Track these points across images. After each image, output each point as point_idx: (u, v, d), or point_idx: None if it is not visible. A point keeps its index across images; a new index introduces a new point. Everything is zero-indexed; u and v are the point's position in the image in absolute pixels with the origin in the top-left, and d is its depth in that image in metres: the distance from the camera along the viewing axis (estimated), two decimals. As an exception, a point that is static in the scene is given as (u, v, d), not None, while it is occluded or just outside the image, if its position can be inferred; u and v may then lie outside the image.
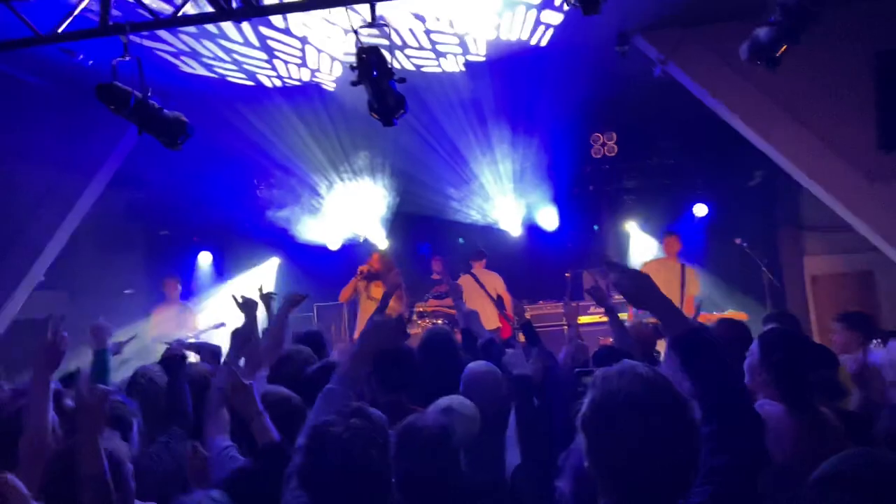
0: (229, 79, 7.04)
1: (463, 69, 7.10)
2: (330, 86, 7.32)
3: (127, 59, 4.16)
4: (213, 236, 9.69)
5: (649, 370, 1.50)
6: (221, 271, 9.73)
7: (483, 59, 6.90)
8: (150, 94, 4.21)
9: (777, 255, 8.45)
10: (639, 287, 1.83)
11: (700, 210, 9.08)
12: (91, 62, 5.82)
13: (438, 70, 7.09)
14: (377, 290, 7.48)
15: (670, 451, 1.39)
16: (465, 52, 6.77)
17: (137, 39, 4.25)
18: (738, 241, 7.42)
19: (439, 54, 6.78)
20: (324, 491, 1.76)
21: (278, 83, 7.26)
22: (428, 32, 6.28)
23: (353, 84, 4.14)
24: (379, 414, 1.90)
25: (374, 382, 3.03)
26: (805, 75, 5.69)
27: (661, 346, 4.24)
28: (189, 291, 8.70)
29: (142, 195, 8.09)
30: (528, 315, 4.63)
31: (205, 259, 9.78)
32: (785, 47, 4.15)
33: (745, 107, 6.41)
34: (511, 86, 7.68)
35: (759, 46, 4.29)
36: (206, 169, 8.32)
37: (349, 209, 9.41)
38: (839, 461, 1.42)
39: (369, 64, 4.07)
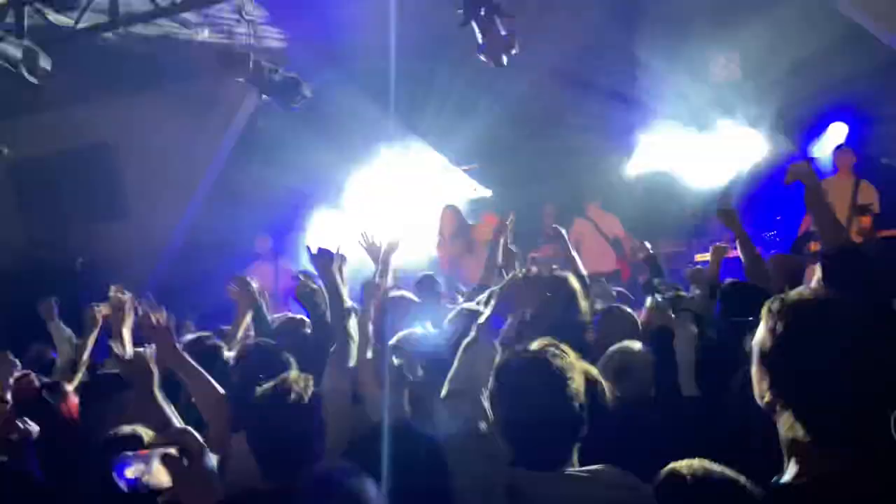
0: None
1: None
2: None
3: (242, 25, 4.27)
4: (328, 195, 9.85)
5: (831, 297, 1.42)
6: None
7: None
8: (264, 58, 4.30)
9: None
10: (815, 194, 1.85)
11: (838, 130, 8.30)
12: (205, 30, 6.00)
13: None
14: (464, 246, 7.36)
15: (871, 377, 1.31)
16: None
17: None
18: (889, 161, 6.72)
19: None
20: (517, 420, 1.75)
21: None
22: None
23: (461, 25, 4.02)
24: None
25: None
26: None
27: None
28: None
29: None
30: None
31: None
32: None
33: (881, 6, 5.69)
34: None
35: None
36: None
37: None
38: None
39: (476, 1, 3.93)
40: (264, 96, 4.46)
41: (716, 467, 1.44)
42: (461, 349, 2.06)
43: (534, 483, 1.68)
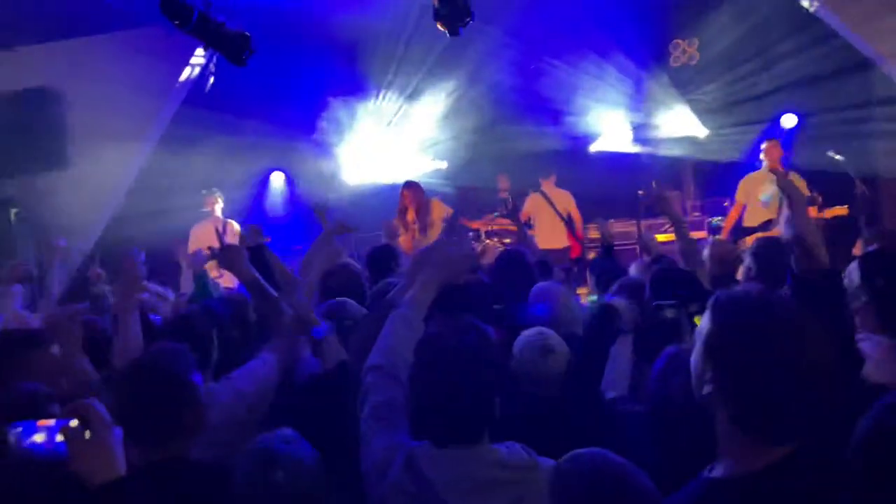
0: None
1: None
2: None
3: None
4: (284, 156, 9.71)
5: (779, 295, 1.46)
6: (294, 193, 9.77)
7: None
8: (210, 6, 4.14)
9: (874, 171, 7.85)
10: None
11: (789, 121, 8.47)
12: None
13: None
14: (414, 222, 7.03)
15: (809, 374, 1.33)
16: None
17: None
18: (833, 154, 6.87)
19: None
20: (432, 407, 1.72)
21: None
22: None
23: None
24: (491, 331, 1.84)
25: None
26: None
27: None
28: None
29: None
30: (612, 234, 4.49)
31: (277, 179, 9.83)
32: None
33: (851, 8, 5.82)
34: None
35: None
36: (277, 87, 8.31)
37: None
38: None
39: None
40: (209, 50, 4.28)
41: (616, 458, 1.46)
42: (386, 325, 2.03)
43: (429, 457, 1.69)
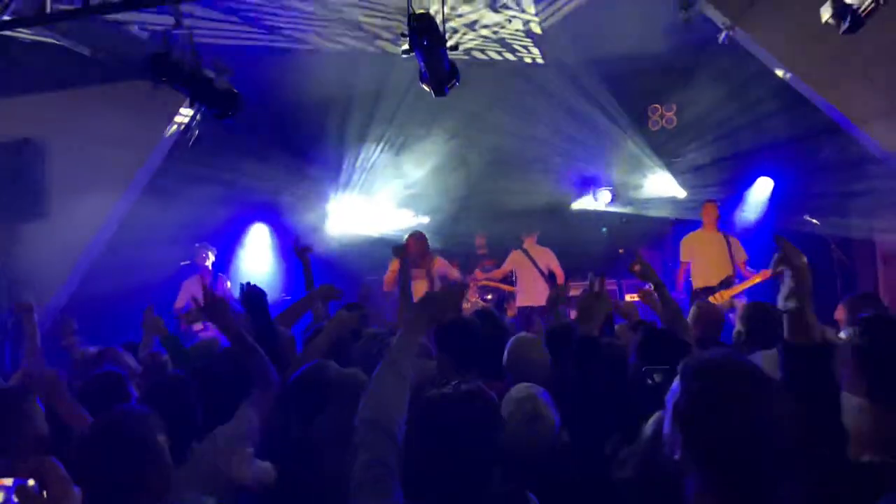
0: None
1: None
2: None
3: (180, 29, 4.14)
4: (268, 210, 9.68)
5: (745, 361, 1.47)
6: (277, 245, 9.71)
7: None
8: (200, 63, 4.18)
9: (848, 234, 8.02)
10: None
11: (764, 185, 8.67)
12: (146, 33, 5.84)
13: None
14: (419, 272, 7.08)
15: (772, 441, 1.36)
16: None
17: (190, 8, 4.22)
18: (809, 218, 7.05)
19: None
20: (430, 474, 1.68)
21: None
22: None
23: (405, 53, 4.02)
24: (492, 395, 1.81)
25: (443, 360, 2.97)
26: (889, 38, 5.28)
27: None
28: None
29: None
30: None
31: (259, 231, 9.77)
32: (874, 4, 3.81)
33: (819, 75, 6.03)
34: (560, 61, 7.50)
35: (845, 3, 3.96)
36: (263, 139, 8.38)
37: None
38: None
39: (420, 31, 3.93)
40: (196, 105, 4.30)
41: None
42: (374, 375, 1.98)
43: None
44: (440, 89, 4.14)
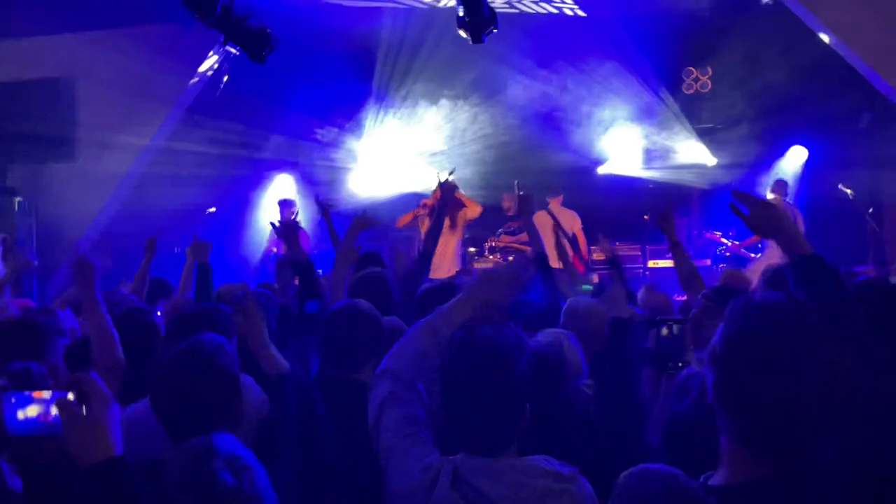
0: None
1: None
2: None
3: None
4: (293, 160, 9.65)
5: (796, 303, 1.40)
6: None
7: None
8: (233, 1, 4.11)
9: (881, 205, 7.86)
10: (768, 215, 1.82)
11: (798, 153, 8.48)
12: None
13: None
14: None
15: (814, 392, 1.29)
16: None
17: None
18: (844, 188, 6.90)
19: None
20: (465, 409, 1.64)
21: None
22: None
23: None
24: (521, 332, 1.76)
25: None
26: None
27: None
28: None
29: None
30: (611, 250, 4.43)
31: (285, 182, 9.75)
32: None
33: (866, 41, 5.83)
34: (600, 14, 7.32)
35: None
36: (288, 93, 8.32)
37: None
38: None
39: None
40: (230, 46, 4.25)
41: (689, 481, 1.39)
42: (410, 331, 1.95)
43: (476, 470, 1.61)
44: (477, 36, 4.05)
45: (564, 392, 2.37)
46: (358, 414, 1.87)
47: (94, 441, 1.32)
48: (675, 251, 3.72)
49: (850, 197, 6.93)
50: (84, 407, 1.34)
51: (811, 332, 1.32)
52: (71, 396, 1.35)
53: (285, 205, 7.73)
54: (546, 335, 2.58)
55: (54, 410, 1.36)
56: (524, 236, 8.48)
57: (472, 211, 7.40)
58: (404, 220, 7.63)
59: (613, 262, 4.00)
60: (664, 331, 2.59)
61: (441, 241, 6.77)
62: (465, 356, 1.65)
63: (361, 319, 2.37)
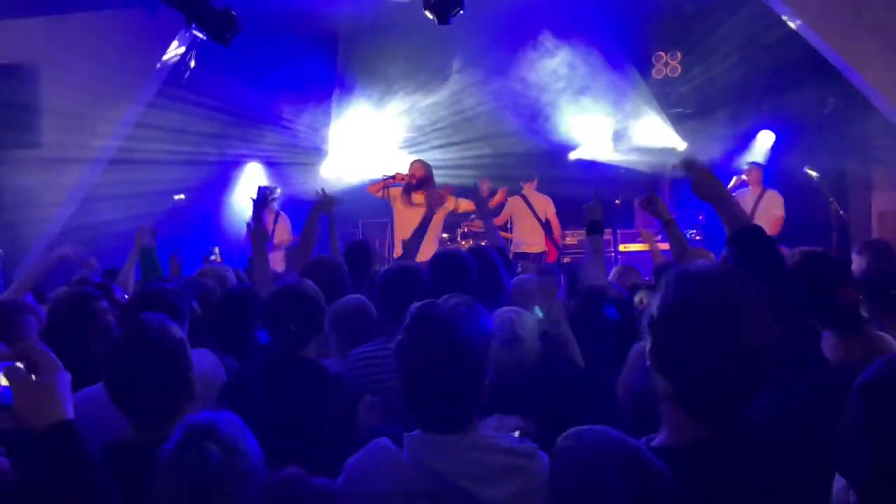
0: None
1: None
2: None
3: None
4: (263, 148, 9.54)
5: (726, 270, 1.48)
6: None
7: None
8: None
9: (844, 189, 8.01)
10: (710, 183, 1.99)
11: (766, 138, 8.59)
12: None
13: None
14: (418, 197, 6.90)
15: (743, 358, 1.33)
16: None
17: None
18: (809, 171, 6.99)
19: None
20: (416, 378, 1.63)
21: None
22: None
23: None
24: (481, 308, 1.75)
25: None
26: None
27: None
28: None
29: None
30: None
31: (254, 170, 9.65)
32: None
33: (832, 29, 5.92)
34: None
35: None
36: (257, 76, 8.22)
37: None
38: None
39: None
40: (195, 30, 4.18)
41: (622, 436, 1.41)
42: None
43: (433, 447, 1.60)
44: (444, 17, 4.04)
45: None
46: (303, 389, 1.90)
47: (45, 406, 1.35)
48: (668, 229, 3.75)
49: (816, 180, 7.03)
50: (33, 375, 1.36)
51: (741, 300, 1.35)
52: (19, 365, 1.36)
53: (268, 189, 7.62)
54: (502, 311, 2.60)
55: (3, 380, 1.36)
56: (498, 220, 8.50)
57: (465, 205, 7.04)
58: (374, 188, 7.12)
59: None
60: (639, 298, 2.66)
61: (406, 218, 6.66)
62: (420, 332, 1.63)
63: (304, 298, 2.44)
